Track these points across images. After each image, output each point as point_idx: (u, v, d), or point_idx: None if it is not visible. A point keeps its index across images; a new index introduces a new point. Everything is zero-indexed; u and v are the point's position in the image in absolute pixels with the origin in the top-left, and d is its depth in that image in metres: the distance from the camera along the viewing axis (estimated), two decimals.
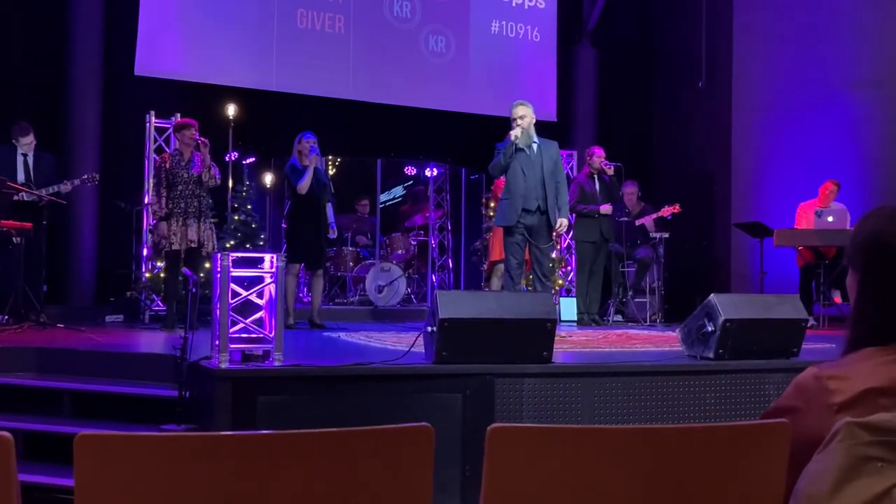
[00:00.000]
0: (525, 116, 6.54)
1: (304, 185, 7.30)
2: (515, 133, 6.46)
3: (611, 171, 8.58)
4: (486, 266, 9.03)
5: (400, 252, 10.40)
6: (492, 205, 9.15)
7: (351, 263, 10.21)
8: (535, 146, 6.57)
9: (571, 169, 10.43)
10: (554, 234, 6.73)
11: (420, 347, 4.62)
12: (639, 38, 11.72)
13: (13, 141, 7.37)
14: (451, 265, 11.35)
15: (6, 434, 1.60)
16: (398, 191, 12.81)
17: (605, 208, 8.59)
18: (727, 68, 10.50)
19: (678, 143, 11.34)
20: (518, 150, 6.49)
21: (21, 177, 7.30)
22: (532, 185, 6.49)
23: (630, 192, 9.44)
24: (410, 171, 12.52)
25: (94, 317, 8.12)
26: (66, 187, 7.21)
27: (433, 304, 4.40)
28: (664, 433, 1.79)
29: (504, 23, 11.27)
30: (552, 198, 6.54)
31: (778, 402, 1.76)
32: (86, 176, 7.47)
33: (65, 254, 8.98)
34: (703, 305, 4.85)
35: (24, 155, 7.40)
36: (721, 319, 4.67)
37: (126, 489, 1.59)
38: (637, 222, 9.27)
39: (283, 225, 8.19)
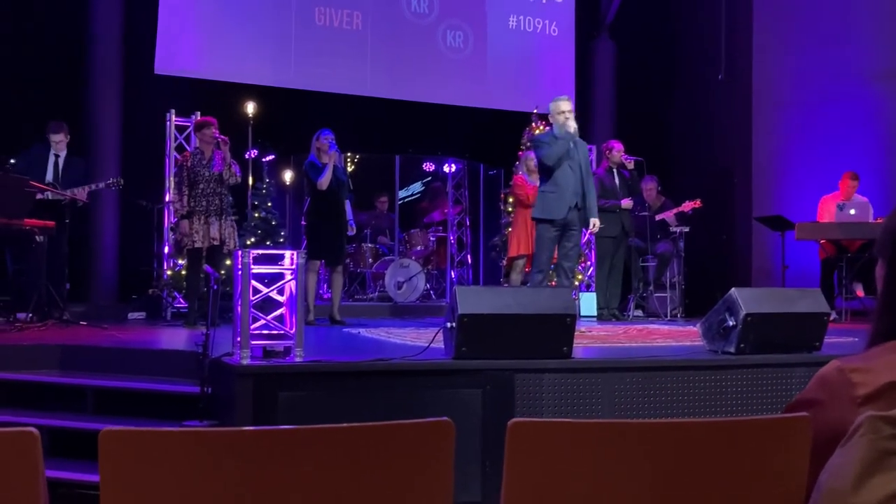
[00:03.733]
0: (572, 111, 6.60)
1: (325, 181, 7.33)
2: (574, 127, 6.50)
3: (631, 166, 8.54)
4: (505, 262, 9.02)
5: (419, 248, 10.41)
6: (510, 200, 9.13)
7: (370, 260, 10.24)
8: (576, 142, 6.62)
9: (591, 163, 10.39)
10: (590, 232, 6.78)
11: (439, 343, 4.62)
12: (658, 31, 11.65)
13: (46, 137, 7.45)
14: (469, 261, 11.35)
15: (33, 430, 1.62)
16: (416, 187, 12.82)
17: (626, 203, 8.55)
18: (747, 61, 10.42)
19: (698, 136, 11.27)
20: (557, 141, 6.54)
21: (49, 176, 7.36)
22: (576, 181, 6.52)
23: (650, 187, 9.40)
24: (429, 167, 12.52)
25: (117, 314, 8.19)
26: (81, 194, 7.24)
27: (452, 300, 4.40)
28: (686, 427, 1.78)
29: (522, 17, 11.24)
30: (590, 195, 6.59)
31: (801, 395, 1.75)
32: (111, 180, 7.54)
33: (87, 252, 9.06)
34: (724, 300, 4.82)
35: (57, 156, 7.47)
36: (742, 313, 4.64)
37: (150, 483, 1.61)
38: (657, 217, 9.23)
39: (303, 222, 8.23)
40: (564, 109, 6.61)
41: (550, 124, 6.81)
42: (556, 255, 6.74)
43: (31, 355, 5.24)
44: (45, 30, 9.14)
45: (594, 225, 6.65)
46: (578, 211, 6.57)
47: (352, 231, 7.93)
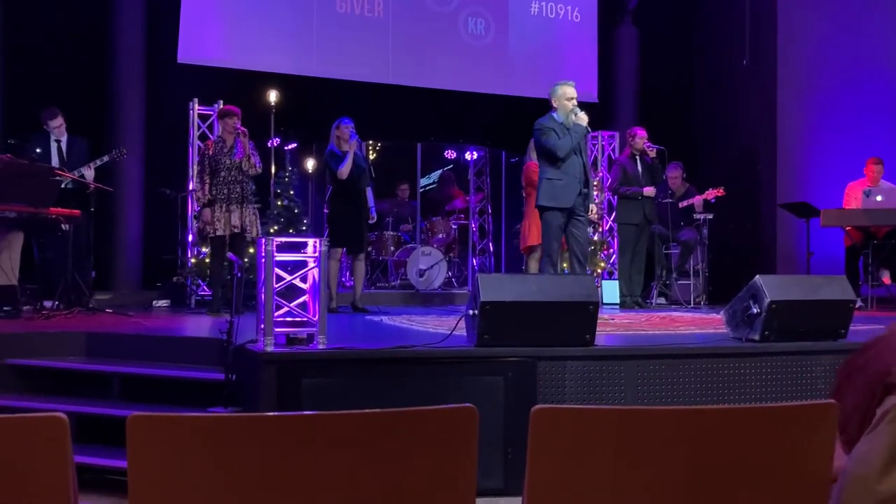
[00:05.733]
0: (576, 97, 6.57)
1: (345, 169, 7.34)
2: (586, 118, 6.48)
3: (653, 154, 8.48)
4: (523, 251, 8.97)
5: (441, 236, 10.41)
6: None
7: (392, 248, 10.26)
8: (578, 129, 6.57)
9: (613, 150, 10.34)
10: (594, 219, 6.76)
11: (462, 331, 4.63)
12: (681, 16, 11.54)
13: (44, 126, 7.49)
14: (491, 248, 11.34)
15: (62, 415, 1.64)
16: (438, 175, 12.82)
17: (649, 191, 8.48)
18: (772, 46, 10.30)
19: (722, 122, 11.17)
20: (567, 130, 6.48)
21: (55, 162, 7.41)
22: (581, 168, 6.50)
23: (675, 174, 9.34)
24: (450, 154, 12.51)
25: (141, 302, 8.26)
26: (89, 172, 7.29)
27: (475, 288, 4.41)
28: (710, 414, 1.78)
29: (544, 4, 11.17)
30: (590, 181, 6.58)
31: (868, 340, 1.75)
32: (114, 151, 7.57)
33: (112, 240, 9.12)
34: (748, 287, 4.79)
35: (58, 141, 7.52)
36: (767, 301, 4.61)
37: (176, 468, 1.63)
38: (680, 204, 9.17)
39: (325, 210, 8.25)
40: (573, 96, 6.54)
41: (553, 108, 6.69)
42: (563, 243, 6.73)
43: (58, 342, 5.30)
44: (69, 19, 9.19)
45: (592, 211, 6.62)
46: (581, 196, 6.54)
47: (373, 219, 7.94)
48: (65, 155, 7.48)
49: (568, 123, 6.47)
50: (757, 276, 4.77)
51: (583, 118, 6.48)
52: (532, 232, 8.43)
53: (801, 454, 1.73)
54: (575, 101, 6.53)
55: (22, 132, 7.99)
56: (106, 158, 7.49)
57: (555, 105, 6.61)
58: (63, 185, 7.17)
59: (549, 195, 6.54)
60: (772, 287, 4.67)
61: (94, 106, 8.20)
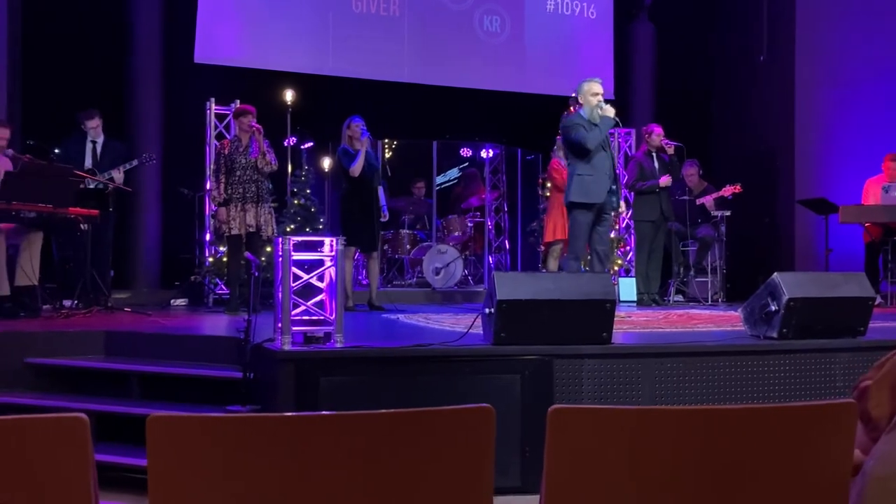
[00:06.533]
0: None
1: (357, 167, 7.36)
2: (613, 111, 6.48)
3: (671, 151, 8.43)
4: (542, 247, 8.98)
5: (456, 234, 10.41)
6: (548, 185, 9.08)
7: (408, 246, 10.26)
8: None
9: (630, 147, 10.31)
10: (623, 217, 6.77)
11: (478, 329, 4.63)
12: (698, 11, 11.48)
13: (81, 126, 7.56)
14: (507, 246, 11.33)
15: (82, 415, 1.65)
16: (454, 173, 12.80)
17: (665, 180, 8.33)
18: (790, 41, 10.23)
19: (739, 118, 11.11)
20: (594, 125, 6.49)
21: (89, 163, 7.48)
22: (611, 164, 6.52)
23: (691, 172, 9.28)
24: (466, 152, 12.50)
25: (160, 301, 8.31)
26: (118, 175, 7.35)
27: (491, 286, 4.40)
28: (728, 414, 1.77)
29: (559, 0, 11.15)
30: (617, 179, 6.60)
31: None
32: (143, 156, 7.63)
33: (130, 240, 9.19)
34: (766, 284, 4.77)
35: (94, 142, 7.58)
36: (785, 298, 4.58)
37: (196, 467, 1.64)
38: (698, 201, 9.12)
39: (338, 209, 8.27)
40: (598, 92, 6.56)
41: (580, 105, 6.73)
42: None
43: (77, 341, 5.33)
44: (86, 20, 9.25)
45: (622, 208, 6.65)
46: (610, 193, 6.56)
47: (384, 217, 7.96)
48: (98, 156, 7.54)
49: (594, 119, 6.49)
50: (775, 274, 4.74)
51: (609, 110, 6.49)
52: (549, 228, 8.44)
53: (819, 453, 1.72)
54: (600, 97, 6.56)
55: (40, 132, 8.05)
56: (135, 163, 7.56)
57: (581, 102, 6.65)
58: (93, 186, 7.22)
59: (579, 191, 6.54)
60: (790, 284, 4.65)
61: (112, 106, 8.25)
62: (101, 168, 7.42)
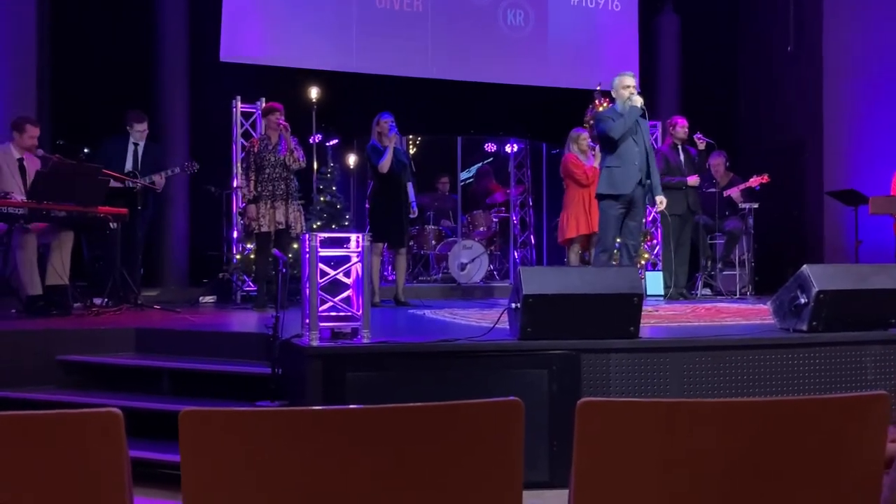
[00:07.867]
0: (637, 87, 6.61)
1: (385, 163, 7.38)
2: (641, 101, 6.46)
3: (702, 146, 8.37)
4: (563, 243, 8.91)
5: (482, 229, 10.41)
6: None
7: (433, 241, 10.28)
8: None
9: (655, 140, 10.25)
10: (656, 210, 6.71)
11: (504, 324, 4.63)
12: (723, 3, 11.38)
13: (127, 127, 7.63)
14: (532, 241, 11.31)
15: (116, 410, 1.68)
16: (476, 169, 12.79)
17: (693, 179, 8.35)
18: (817, 32, 10.12)
19: (766, 110, 11.01)
20: (621, 116, 6.48)
21: (129, 165, 7.55)
22: (641, 155, 6.46)
23: (717, 162, 9.21)
24: (490, 147, 12.48)
25: (188, 298, 8.38)
26: (159, 180, 7.44)
27: (517, 281, 4.40)
28: (758, 407, 1.76)
29: None
30: (654, 172, 6.53)
31: None
32: (185, 164, 7.71)
33: (159, 238, 9.28)
34: (795, 276, 4.72)
35: (136, 144, 7.65)
36: (815, 291, 4.54)
37: (228, 461, 1.66)
38: (725, 193, 9.05)
39: (367, 205, 8.30)
40: (629, 84, 6.55)
41: (613, 100, 6.73)
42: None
43: (108, 339, 5.40)
44: (113, 20, 9.35)
45: (661, 203, 6.58)
46: (643, 187, 6.51)
47: (413, 213, 7.98)
48: (139, 159, 7.61)
49: (623, 111, 6.48)
50: (804, 266, 4.70)
51: (637, 100, 6.46)
52: (570, 224, 8.39)
53: (852, 446, 1.71)
54: (632, 89, 6.53)
55: (69, 132, 8.14)
56: (177, 170, 7.66)
57: (614, 96, 6.65)
58: (131, 186, 7.31)
59: (606, 182, 6.52)
60: (820, 276, 4.60)
61: (139, 105, 8.32)
62: (142, 171, 7.50)
